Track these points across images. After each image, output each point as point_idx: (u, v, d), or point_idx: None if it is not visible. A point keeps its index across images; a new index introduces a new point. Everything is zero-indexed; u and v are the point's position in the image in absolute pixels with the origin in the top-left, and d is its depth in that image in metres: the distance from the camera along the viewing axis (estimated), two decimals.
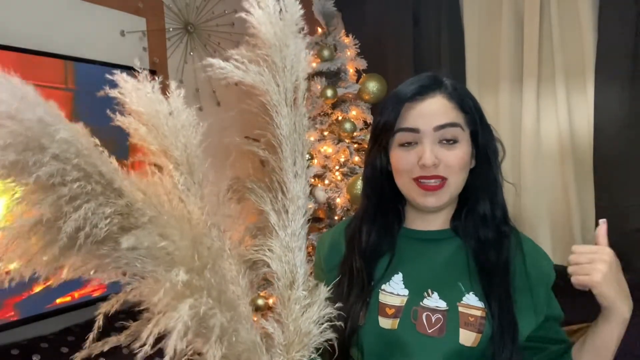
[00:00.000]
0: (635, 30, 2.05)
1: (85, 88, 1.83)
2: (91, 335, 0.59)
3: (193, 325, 0.49)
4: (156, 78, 0.61)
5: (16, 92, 0.47)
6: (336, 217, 2.30)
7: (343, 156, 2.38)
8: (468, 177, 0.86)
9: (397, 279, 0.86)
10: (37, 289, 1.73)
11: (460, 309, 0.80)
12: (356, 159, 2.40)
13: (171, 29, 2.38)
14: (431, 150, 0.80)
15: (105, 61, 1.91)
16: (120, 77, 0.61)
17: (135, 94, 0.60)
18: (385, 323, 0.82)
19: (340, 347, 0.63)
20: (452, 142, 0.82)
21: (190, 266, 0.51)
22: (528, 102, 2.31)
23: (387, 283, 0.86)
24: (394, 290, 0.85)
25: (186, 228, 0.53)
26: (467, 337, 0.78)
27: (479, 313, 0.80)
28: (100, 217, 0.48)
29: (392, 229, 0.90)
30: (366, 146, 2.48)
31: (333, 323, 0.60)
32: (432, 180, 0.81)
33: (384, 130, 0.86)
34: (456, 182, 0.83)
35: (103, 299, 2.09)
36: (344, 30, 2.51)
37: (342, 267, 0.89)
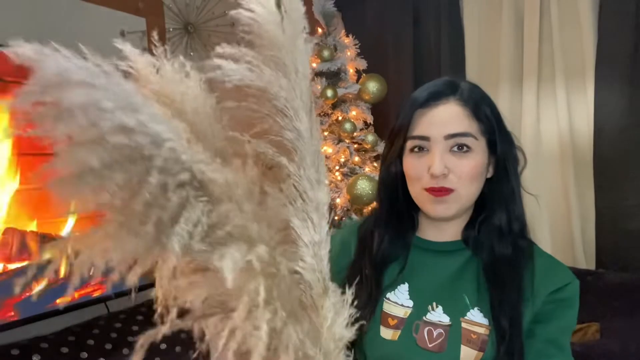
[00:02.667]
0: (635, 31, 2.05)
1: None
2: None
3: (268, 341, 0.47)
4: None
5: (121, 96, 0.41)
6: (336, 217, 2.30)
7: (343, 156, 2.38)
8: (485, 187, 0.83)
9: (403, 289, 0.84)
10: (37, 288, 1.73)
11: (464, 324, 0.78)
12: (356, 159, 2.40)
13: (171, 29, 2.38)
14: (441, 160, 0.77)
15: None
16: (130, 50, 0.54)
17: (150, 71, 0.54)
18: (386, 333, 0.81)
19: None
20: (464, 150, 0.78)
21: (270, 278, 0.48)
22: (528, 102, 2.31)
23: (393, 292, 0.84)
24: (398, 301, 0.83)
25: (267, 233, 0.49)
26: (468, 355, 0.76)
27: (482, 330, 0.77)
28: (200, 227, 0.44)
29: (405, 237, 0.88)
30: (366, 146, 2.49)
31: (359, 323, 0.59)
32: (441, 190, 0.79)
33: (397, 135, 0.83)
34: (467, 193, 0.79)
35: (103, 299, 2.08)
36: (344, 30, 2.51)
37: (351, 270, 0.87)
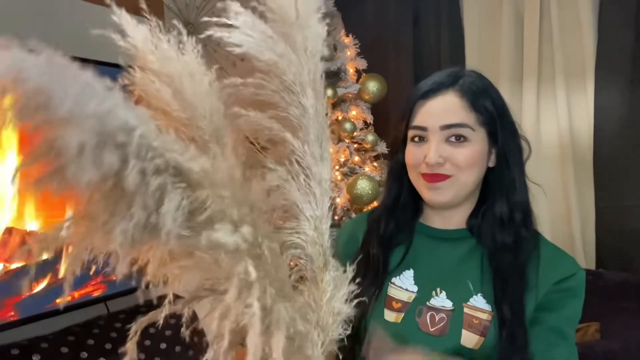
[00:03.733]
0: (635, 31, 2.05)
1: None
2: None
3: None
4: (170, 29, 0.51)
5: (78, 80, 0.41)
6: (336, 217, 2.30)
7: (343, 156, 2.38)
8: (489, 177, 0.85)
9: (409, 274, 0.86)
10: (37, 288, 1.73)
11: (466, 310, 0.80)
12: (356, 158, 2.40)
13: (171, 29, 2.38)
14: (436, 150, 0.79)
15: (105, 61, 1.91)
16: (128, 22, 0.52)
17: (148, 46, 0.53)
18: (389, 316, 0.83)
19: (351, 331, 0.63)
20: (461, 140, 0.80)
21: (256, 258, 0.48)
22: (528, 102, 2.31)
23: (398, 277, 0.86)
24: (403, 285, 0.85)
25: (249, 216, 0.49)
26: (469, 339, 0.78)
27: (484, 316, 0.79)
28: (180, 212, 0.43)
29: (410, 223, 0.90)
30: (366, 146, 2.49)
31: (359, 299, 0.62)
32: (437, 177, 0.81)
33: (399, 124, 0.86)
34: (464, 181, 0.81)
35: (103, 299, 2.09)
36: (344, 30, 2.50)
37: (360, 251, 0.89)
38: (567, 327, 0.79)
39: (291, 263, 0.59)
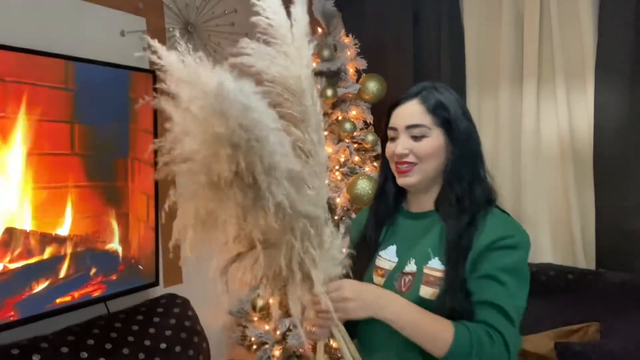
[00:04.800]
0: (635, 30, 2.05)
1: (85, 88, 1.83)
2: None
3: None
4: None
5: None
6: (336, 217, 2.30)
7: (343, 156, 2.38)
8: (450, 165, 1.06)
9: (392, 249, 1.12)
10: (37, 288, 1.73)
11: (425, 270, 1.03)
12: (356, 158, 2.40)
13: (171, 29, 2.38)
14: (403, 144, 1.06)
15: (105, 61, 1.91)
16: (159, 49, 0.76)
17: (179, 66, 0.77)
18: (377, 280, 1.10)
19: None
20: (421, 136, 1.05)
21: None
22: (528, 102, 2.31)
23: (384, 250, 1.13)
24: (387, 257, 1.12)
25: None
26: (426, 292, 1.01)
27: (439, 274, 1.01)
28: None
29: (395, 208, 1.16)
30: (366, 146, 2.49)
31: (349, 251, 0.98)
32: (404, 165, 1.07)
33: (383, 127, 1.14)
34: (426, 168, 1.06)
35: (103, 299, 2.09)
36: (344, 30, 2.51)
37: (361, 233, 1.19)
38: (501, 273, 0.96)
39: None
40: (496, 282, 0.95)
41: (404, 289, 1.04)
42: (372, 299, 0.97)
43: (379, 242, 1.14)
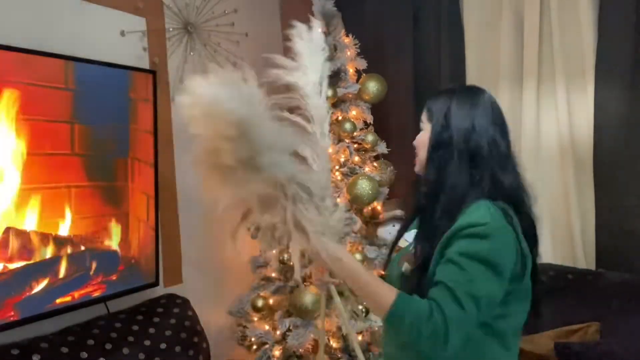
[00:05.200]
0: (635, 30, 2.05)
1: (85, 88, 1.83)
2: None
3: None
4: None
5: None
6: None
7: (343, 156, 2.38)
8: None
9: (413, 232, 1.21)
10: (37, 288, 1.73)
11: (411, 248, 1.17)
12: (356, 158, 2.40)
13: (171, 29, 2.38)
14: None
15: (105, 61, 1.91)
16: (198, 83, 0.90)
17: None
18: (395, 256, 1.27)
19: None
20: (421, 129, 1.21)
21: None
22: (528, 102, 2.31)
23: (408, 232, 1.25)
24: (407, 237, 1.25)
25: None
26: (406, 268, 1.14)
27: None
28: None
29: None
30: (366, 146, 2.49)
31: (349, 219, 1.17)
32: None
33: None
34: (422, 157, 1.18)
35: (103, 299, 2.09)
36: (344, 30, 2.50)
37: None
38: (462, 260, 0.99)
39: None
40: (455, 266, 1.00)
41: (400, 265, 1.18)
42: (333, 258, 1.06)
43: (406, 228, 1.28)
